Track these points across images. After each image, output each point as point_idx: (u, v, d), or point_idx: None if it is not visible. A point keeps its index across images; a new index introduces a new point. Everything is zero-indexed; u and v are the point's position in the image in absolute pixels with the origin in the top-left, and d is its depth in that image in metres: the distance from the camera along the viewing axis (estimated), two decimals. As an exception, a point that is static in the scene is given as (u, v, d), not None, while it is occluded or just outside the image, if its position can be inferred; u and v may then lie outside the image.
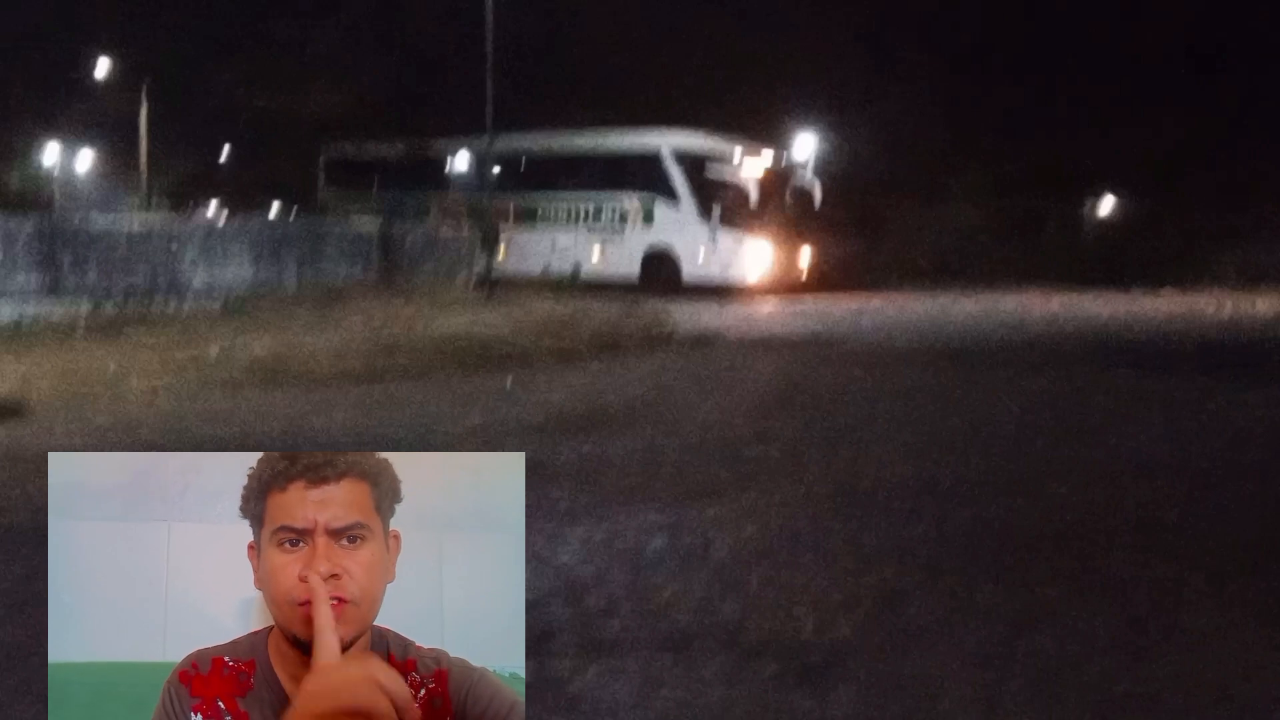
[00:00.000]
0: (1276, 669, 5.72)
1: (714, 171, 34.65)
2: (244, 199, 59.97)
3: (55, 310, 23.57)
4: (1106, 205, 52.48)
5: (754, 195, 34.20)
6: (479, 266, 34.43)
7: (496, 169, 37.76)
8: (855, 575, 7.22)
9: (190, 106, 60.02)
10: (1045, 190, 48.47)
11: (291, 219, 49.31)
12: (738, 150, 35.05)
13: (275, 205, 62.41)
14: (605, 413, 13.66)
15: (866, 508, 8.93)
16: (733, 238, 34.55)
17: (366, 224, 34.87)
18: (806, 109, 43.27)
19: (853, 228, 40.37)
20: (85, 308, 23.92)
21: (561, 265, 36.29)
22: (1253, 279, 36.57)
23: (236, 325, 21.90)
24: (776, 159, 36.25)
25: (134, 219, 33.15)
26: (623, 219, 36.14)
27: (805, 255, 36.54)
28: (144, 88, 53.10)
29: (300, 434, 12.33)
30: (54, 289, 26.23)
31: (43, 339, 19.77)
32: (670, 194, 35.43)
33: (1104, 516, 8.67)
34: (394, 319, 23.02)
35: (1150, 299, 32.36)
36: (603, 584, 7.08)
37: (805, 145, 38.99)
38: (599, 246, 36.46)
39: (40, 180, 67.32)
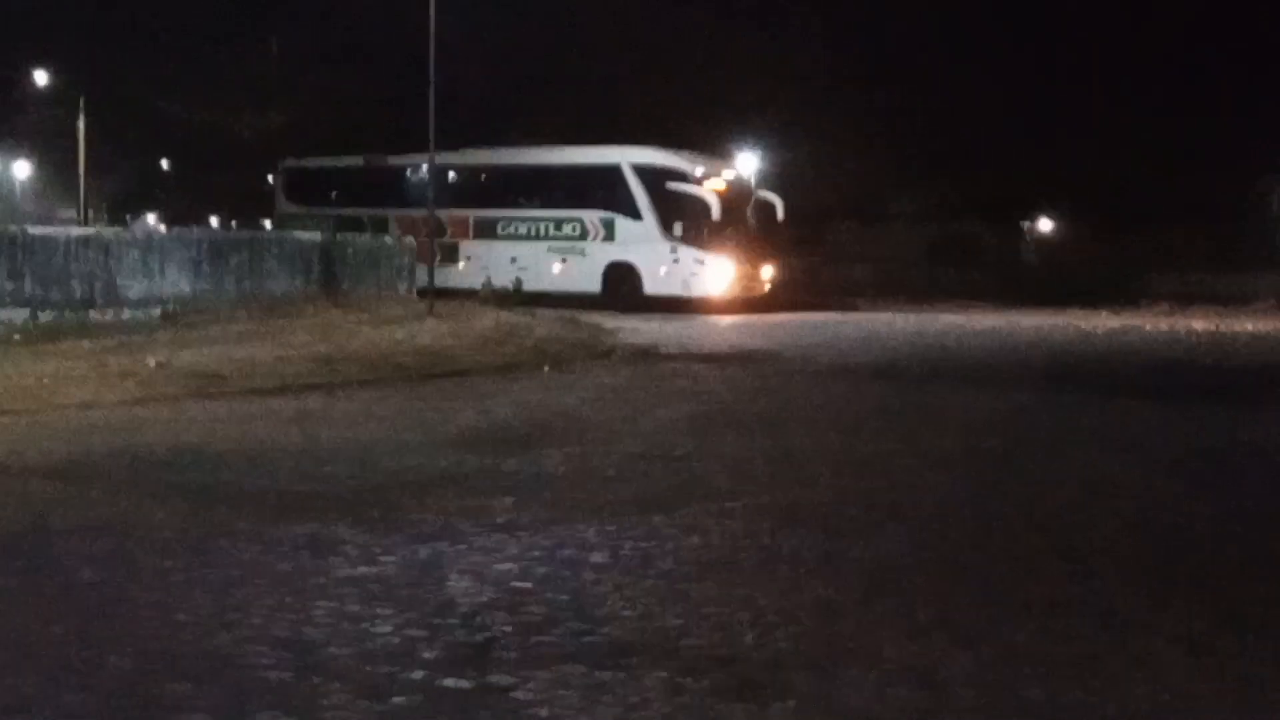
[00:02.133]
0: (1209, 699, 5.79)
1: (675, 186, 34.32)
2: (183, 211, 59.61)
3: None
4: (1044, 228, 53.01)
5: (715, 210, 33.63)
6: (423, 280, 34.23)
7: (450, 181, 37.32)
8: (795, 589, 7.26)
9: (129, 120, 59.56)
10: (983, 214, 49.07)
11: (231, 230, 49.07)
12: (699, 166, 34.86)
13: (214, 217, 62.09)
14: (546, 425, 13.66)
15: (807, 523, 8.97)
16: (695, 252, 34.24)
17: (309, 236, 34.66)
18: (761, 129, 43.58)
19: (809, 245, 40.48)
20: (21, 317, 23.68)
21: (524, 278, 35.69)
22: (1187, 299, 37.01)
23: (175, 336, 21.73)
24: (738, 175, 36.25)
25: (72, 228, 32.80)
26: (584, 234, 35.64)
27: (767, 270, 36.33)
28: (82, 100, 52.64)
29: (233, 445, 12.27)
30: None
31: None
32: (632, 209, 35.03)
33: (1042, 536, 8.75)
34: (335, 331, 22.91)
35: (1087, 318, 32.63)
36: (542, 595, 7.09)
37: (759, 162, 39.43)
38: (560, 260, 35.90)
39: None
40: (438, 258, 35.20)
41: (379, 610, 6.78)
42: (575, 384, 17.79)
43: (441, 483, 10.41)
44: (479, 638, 6.34)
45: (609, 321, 27.72)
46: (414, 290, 34.09)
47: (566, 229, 35.95)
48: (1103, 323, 30.48)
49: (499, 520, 8.94)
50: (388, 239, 36.21)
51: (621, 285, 34.79)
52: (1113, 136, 48.54)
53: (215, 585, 7.29)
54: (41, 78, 56.16)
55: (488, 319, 26.21)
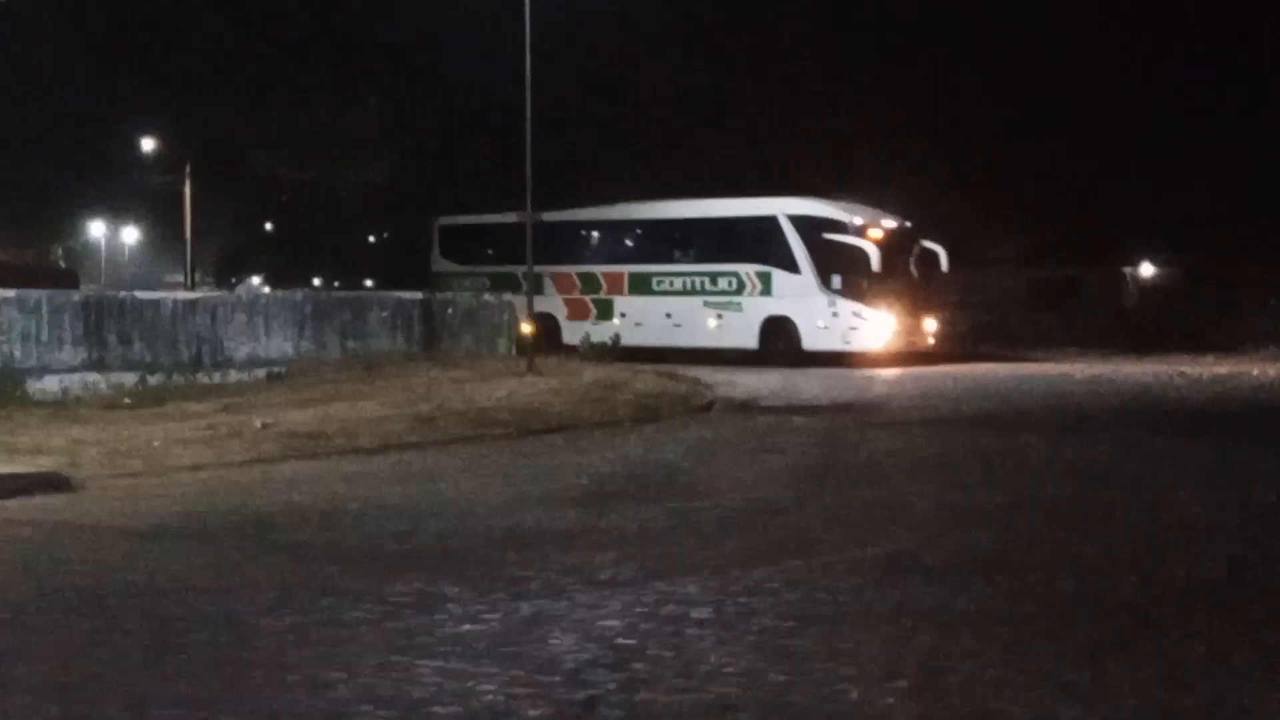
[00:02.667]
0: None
1: (833, 237, 32.93)
2: (287, 272, 60.55)
3: (101, 381, 23.81)
4: (1145, 272, 52.42)
5: (875, 261, 32.02)
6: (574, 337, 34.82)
7: (605, 237, 37.56)
8: (899, 643, 7.20)
9: (234, 182, 60.73)
10: (1084, 258, 48.63)
11: (334, 290, 49.72)
12: (857, 215, 33.58)
13: (318, 277, 62.96)
14: (646, 480, 13.68)
15: (910, 575, 8.90)
16: (854, 305, 32.76)
17: (410, 295, 35.04)
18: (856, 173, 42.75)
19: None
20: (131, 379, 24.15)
21: (679, 335, 35.08)
22: None
23: (280, 397, 22.03)
24: (900, 224, 34.56)
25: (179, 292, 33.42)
26: (740, 288, 34.37)
27: (930, 323, 34.75)
28: (188, 165, 53.73)
29: (337, 504, 12.41)
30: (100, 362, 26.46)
31: (91, 410, 19.96)
32: (789, 262, 33.72)
33: (1153, 585, 8.62)
34: (436, 389, 23.11)
35: (1193, 365, 32.12)
36: (646, 652, 7.09)
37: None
38: (716, 316, 34.69)
39: (87, 255, 68.07)
40: (593, 314, 36.16)
41: (483, 668, 6.81)
42: (674, 438, 17.80)
43: (543, 539, 10.46)
44: (583, 695, 6.35)
45: (708, 375, 27.71)
46: (513, 347, 34.33)
47: (722, 283, 34.82)
48: (1209, 369, 29.95)
49: (601, 576, 8.96)
50: (487, 297, 36.50)
51: (779, 340, 33.59)
52: (1214, 177, 47.97)
53: (322, 644, 7.36)
54: (148, 144, 57.38)
55: (587, 374, 26.30)
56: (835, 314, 32.99)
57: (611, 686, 6.48)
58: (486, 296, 36.71)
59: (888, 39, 55.56)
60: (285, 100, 57.53)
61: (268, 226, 70.66)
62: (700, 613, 7.93)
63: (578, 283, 37.06)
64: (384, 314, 33.36)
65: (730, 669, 6.77)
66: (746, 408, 21.84)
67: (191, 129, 55.79)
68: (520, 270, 35.86)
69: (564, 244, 37.16)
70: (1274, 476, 13.47)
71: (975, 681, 6.50)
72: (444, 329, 34.62)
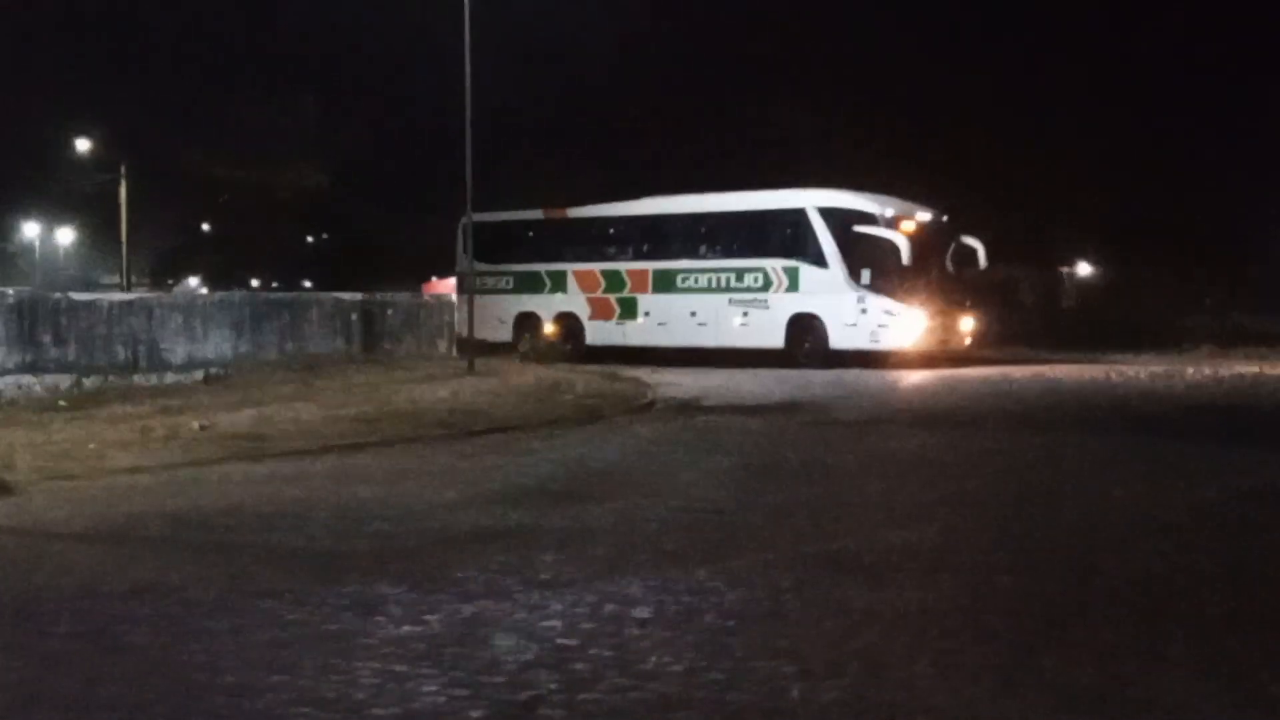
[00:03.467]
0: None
1: (863, 230, 31.27)
2: (225, 273, 60.19)
3: (36, 384, 23.56)
4: (1083, 272, 52.92)
5: (906, 255, 30.35)
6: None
7: (627, 232, 35.93)
8: (841, 641, 7.23)
9: (169, 183, 60.28)
10: (1022, 259, 48.99)
11: (273, 290, 49.40)
12: (889, 208, 31.89)
13: (256, 279, 62.60)
14: (588, 480, 13.67)
15: (852, 573, 8.93)
16: (884, 301, 31.07)
17: (348, 295, 34.90)
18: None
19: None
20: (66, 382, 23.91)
21: (704, 334, 33.54)
22: (1229, 341, 36.67)
23: (218, 399, 21.88)
24: (934, 217, 32.78)
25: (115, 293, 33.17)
26: (766, 284, 32.68)
27: (966, 322, 32.92)
28: (123, 166, 53.26)
29: (276, 506, 12.33)
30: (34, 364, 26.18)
31: (25, 412, 19.73)
32: (817, 256, 32.00)
33: (1090, 579, 8.69)
34: (376, 390, 23.01)
35: (1129, 362, 32.41)
36: (587, 652, 7.08)
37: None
38: (742, 314, 33.03)
39: (20, 257, 67.32)
40: (617, 313, 35.01)
41: (424, 670, 6.78)
42: (616, 438, 17.79)
43: (484, 540, 10.42)
44: (524, 696, 6.34)
45: (649, 376, 27.72)
46: (453, 348, 34.28)
47: (748, 279, 33.03)
48: (1146, 368, 30.24)
49: (543, 577, 8.95)
50: (427, 298, 36.41)
51: (805, 339, 32.12)
52: (1150, 179, 48.49)
53: (261, 647, 7.31)
54: (83, 144, 56.84)
55: (528, 375, 26.28)
56: (864, 310, 31.34)
57: (553, 686, 6.47)
58: (427, 298, 36.58)
59: (818, 33, 55.93)
60: (222, 101, 57.23)
61: (205, 227, 70.20)
62: (641, 612, 7.93)
63: (601, 280, 35.81)
64: (323, 315, 33.22)
65: (672, 668, 6.77)
66: (688, 408, 21.85)
67: (127, 129, 55.36)
68: (545, 269, 36.53)
69: (587, 240, 36.41)
70: (1211, 473, 13.59)
71: (915, 677, 6.52)
72: (384, 330, 34.55)
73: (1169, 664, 6.67)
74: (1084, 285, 52.36)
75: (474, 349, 29.91)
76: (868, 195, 32.48)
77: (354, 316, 34.13)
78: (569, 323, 35.65)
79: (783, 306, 32.46)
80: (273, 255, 63.39)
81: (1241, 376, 26.75)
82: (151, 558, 10.02)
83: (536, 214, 37.76)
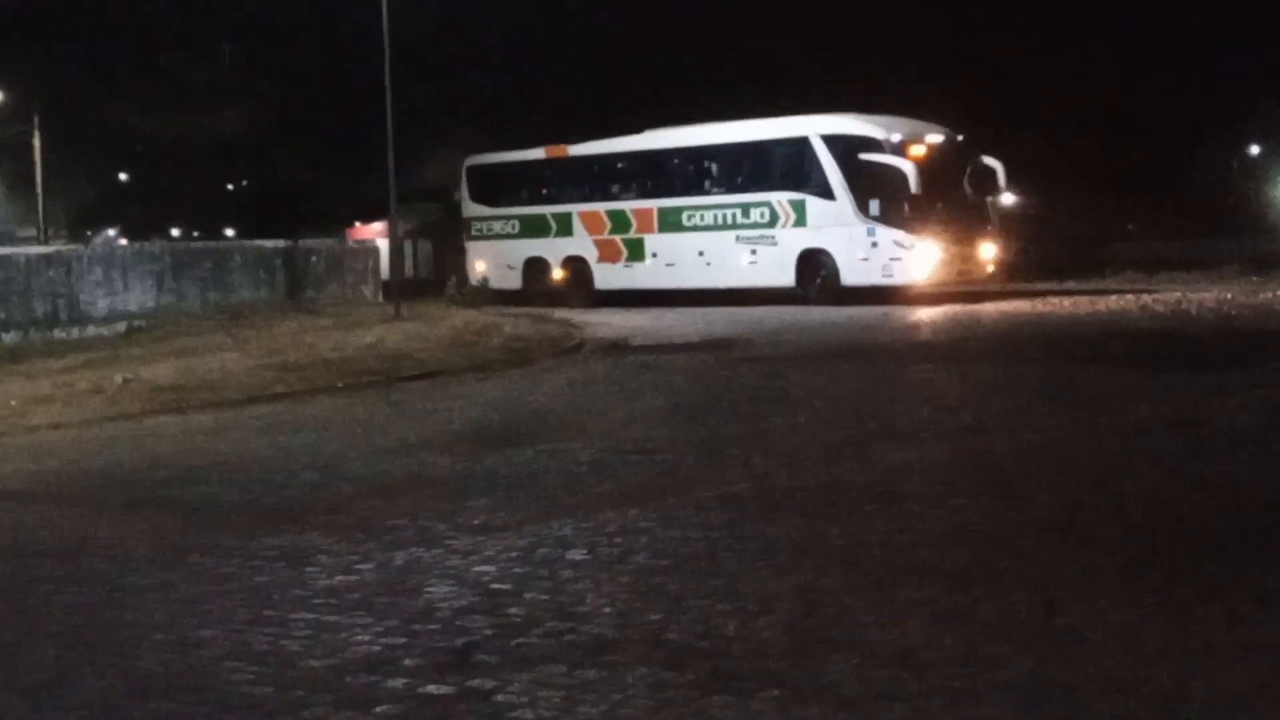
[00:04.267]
0: (1185, 659, 5.79)
1: (869, 158, 29.17)
2: (145, 223, 59.39)
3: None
4: (1006, 201, 53.12)
5: (913, 181, 28.10)
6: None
7: (632, 169, 34.14)
8: (774, 578, 7.25)
9: (85, 133, 59.30)
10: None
11: (194, 240, 48.84)
12: (895, 132, 29.50)
13: (177, 228, 61.86)
14: (518, 424, 13.63)
15: (784, 510, 8.96)
16: (894, 233, 28.98)
17: (272, 244, 34.55)
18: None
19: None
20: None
21: (713, 274, 31.87)
22: (1152, 268, 37.02)
23: (141, 352, 21.64)
24: (947, 138, 30.54)
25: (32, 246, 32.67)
26: (773, 219, 30.84)
27: (987, 249, 30.73)
28: (36, 117, 52.33)
29: (204, 458, 12.21)
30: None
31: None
32: (824, 188, 30.04)
33: (1020, 512, 8.76)
34: (302, 338, 22.83)
35: (1056, 296, 32.63)
36: (522, 596, 7.06)
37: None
38: (750, 251, 31.29)
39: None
40: (624, 255, 33.38)
41: (357, 619, 6.74)
42: (545, 381, 17.75)
43: (415, 486, 10.38)
44: (459, 642, 6.31)
45: (578, 316, 27.67)
46: (380, 293, 34.07)
47: (755, 215, 31.18)
48: (1070, 296, 30.42)
49: (475, 522, 8.92)
50: (352, 244, 36.12)
51: (816, 275, 30.28)
52: (1074, 109, 48.74)
53: (192, 601, 7.25)
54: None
55: (456, 319, 26.16)
56: (875, 244, 29.31)
57: (488, 632, 6.45)
58: (352, 243, 36.23)
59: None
60: (139, 50, 56.32)
61: (123, 177, 69.20)
62: (575, 555, 7.93)
63: (607, 221, 34.04)
64: (246, 264, 32.91)
65: (607, 609, 6.77)
66: (617, 348, 21.84)
67: (40, 79, 54.33)
68: (550, 211, 35.02)
69: (590, 179, 34.93)
70: (1140, 399, 13.71)
71: (849, 612, 6.55)
72: (308, 277, 34.25)
73: (1099, 592, 6.73)
74: (1006, 215, 52.57)
75: (399, 294, 29.72)
76: (874, 118, 30.32)
77: (278, 264, 33.81)
78: (577, 267, 34.27)
79: (791, 242, 30.69)
80: (193, 204, 62.55)
81: (1160, 302, 26.98)
82: (78, 515, 9.91)
83: (539, 153, 36.24)
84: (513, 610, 6.81)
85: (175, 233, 60.38)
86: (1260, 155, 53.52)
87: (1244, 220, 44.81)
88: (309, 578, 7.64)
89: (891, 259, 29.10)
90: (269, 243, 34.67)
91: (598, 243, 34.05)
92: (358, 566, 7.85)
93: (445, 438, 12.84)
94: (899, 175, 28.37)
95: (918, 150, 29.23)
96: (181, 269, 31.22)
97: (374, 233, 42.72)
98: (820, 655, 5.92)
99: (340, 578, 7.61)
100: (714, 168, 32.79)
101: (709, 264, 31.90)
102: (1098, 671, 5.59)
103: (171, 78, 55.80)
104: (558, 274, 34.43)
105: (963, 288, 30.31)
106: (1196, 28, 51.61)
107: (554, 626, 6.50)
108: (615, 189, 34.43)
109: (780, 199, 30.86)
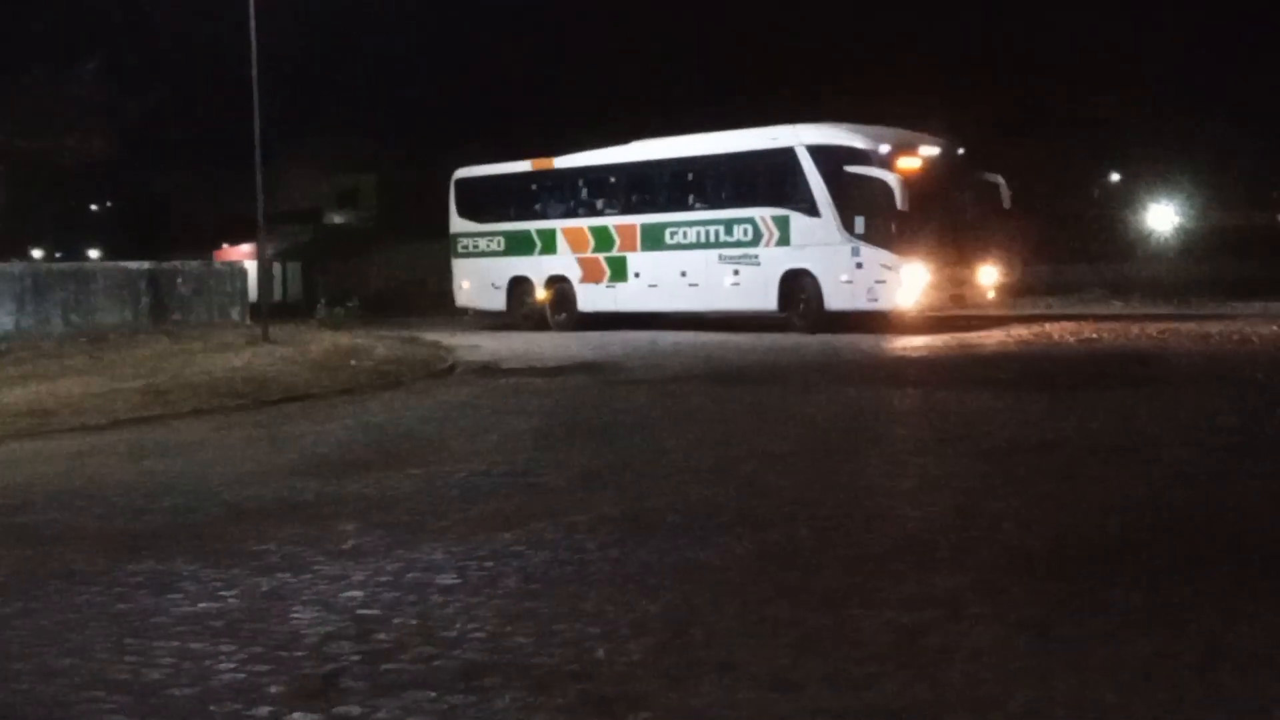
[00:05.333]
0: (1048, 677, 5.89)
1: (855, 170, 27.06)
2: (4, 243, 58.09)
3: None
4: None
5: (899, 197, 26.05)
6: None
7: (616, 183, 32.38)
8: (645, 600, 7.25)
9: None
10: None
11: (56, 261, 47.85)
12: (883, 143, 27.37)
13: (38, 249, 60.61)
14: (388, 447, 13.51)
15: (655, 532, 8.96)
16: (880, 254, 26.81)
17: (135, 264, 33.98)
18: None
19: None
20: None
21: (696, 296, 30.13)
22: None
23: (1, 375, 21.15)
24: (944, 151, 28.29)
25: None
26: (756, 237, 28.89)
27: (987, 273, 28.29)
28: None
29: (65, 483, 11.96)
30: None
31: None
32: (808, 203, 27.98)
33: (889, 533, 8.84)
34: (167, 361, 22.46)
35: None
36: (390, 621, 6.99)
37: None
38: (733, 272, 29.32)
39: None
40: (606, 275, 31.66)
41: (222, 647, 6.63)
42: (416, 404, 17.63)
43: (282, 511, 10.24)
44: (326, 669, 6.23)
45: (448, 339, 27.53)
46: (247, 315, 33.65)
47: (737, 232, 29.23)
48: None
49: (343, 547, 8.82)
50: (219, 266, 35.66)
51: (799, 298, 28.33)
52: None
53: (51, 630, 7.08)
54: None
55: (325, 341, 25.91)
56: (859, 265, 27.14)
57: (355, 658, 6.37)
58: (217, 266, 35.73)
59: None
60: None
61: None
62: (445, 579, 7.86)
63: (590, 239, 32.35)
64: (110, 285, 32.35)
65: (476, 634, 6.72)
66: (489, 371, 21.76)
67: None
68: (535, 227, 33.30)
69: (574, 194, 33.23)
70: (1005, 423, 13.93)
71: (720, 634, 6.57)
72: (175, 299, 33.76)
73: (965, 612, 6.82)
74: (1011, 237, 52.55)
75: (267, 316, 29.34)
76: (862, 129, 28.33)
77: (142, 286, 33.27)
78: (560, 287, 32.70)
79: (774, 262, 28.62)
80: (56, 225, 61.39)
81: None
82: (-69, 542, 9.63)
83: (525, 166, 34.46)
84: (381, 636, 6.74)
85: (37, 254, 59.15)
86: (1120, 182, 54.76)
87: (1104, 246, 45.76)
88: (172, 605, 7.50)
89: (877, 282, 26.96)
90: (133, 264, 34.13)
91: (581, 261, 32.48)
92: (222, 593, 7.72)
93: (313, 462, 12.69)
94: (885, 190, 26.38)
95: (909, 163, 27.13)
96: (43, 290, 30.62)
97: (242, 254, 42.23)
98: (691, 677, 5.93)
99: (204, 604, 7.48)
100: (696, 181, 30.90)
101: (692, 285, 30.12)
102: (963, 689, 5.66)
103: (33, 94, 54.67)
104: (541, 294, 33.03)
105: (963, 314, 28.78)
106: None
107: (423, 651, 6.44)
108: (600, 204, 32.76)
109: (764, 215, 28.93)
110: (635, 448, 13.04)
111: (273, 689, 5.96)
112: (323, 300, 35.37)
